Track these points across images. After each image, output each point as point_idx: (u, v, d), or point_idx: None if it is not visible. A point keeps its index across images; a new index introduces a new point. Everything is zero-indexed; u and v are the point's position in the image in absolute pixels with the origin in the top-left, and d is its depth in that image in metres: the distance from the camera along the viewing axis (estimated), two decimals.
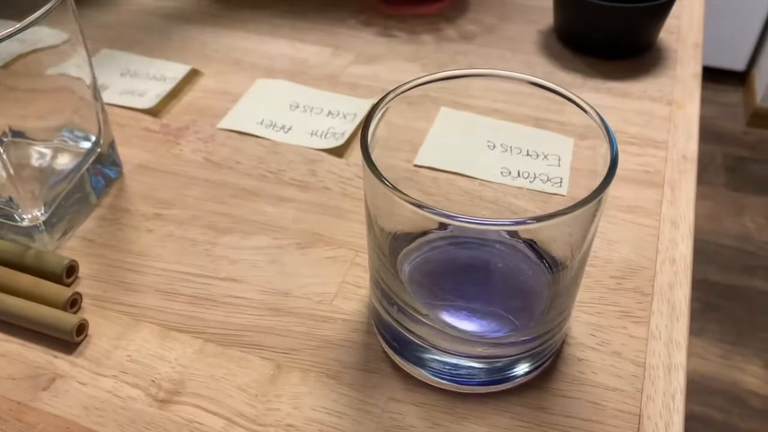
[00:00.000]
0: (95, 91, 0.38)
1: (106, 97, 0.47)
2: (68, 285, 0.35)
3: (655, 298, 0.34)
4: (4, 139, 0.36)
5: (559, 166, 0.42)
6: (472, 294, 0.32)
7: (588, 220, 0.27)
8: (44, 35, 0.35)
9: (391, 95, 0.30)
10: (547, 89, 0.33)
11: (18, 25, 0.32)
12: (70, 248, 0.37)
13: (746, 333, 1.26)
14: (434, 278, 0.32)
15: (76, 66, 0.37)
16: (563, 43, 0.52)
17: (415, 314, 0.29)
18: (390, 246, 0.30)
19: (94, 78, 0.38)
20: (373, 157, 0.27)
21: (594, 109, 0.31)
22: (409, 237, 0.32)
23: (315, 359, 0.32)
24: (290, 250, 0.37)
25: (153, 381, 0.31)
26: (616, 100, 0.47)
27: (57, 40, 0.35)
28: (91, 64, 0.37)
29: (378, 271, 0.30)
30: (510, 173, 0.42)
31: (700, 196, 1.50)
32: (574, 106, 0.32)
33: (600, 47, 0.50)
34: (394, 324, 0.30)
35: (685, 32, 0.53)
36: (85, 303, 0.34)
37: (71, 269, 0.35)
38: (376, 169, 0.27)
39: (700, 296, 1.33)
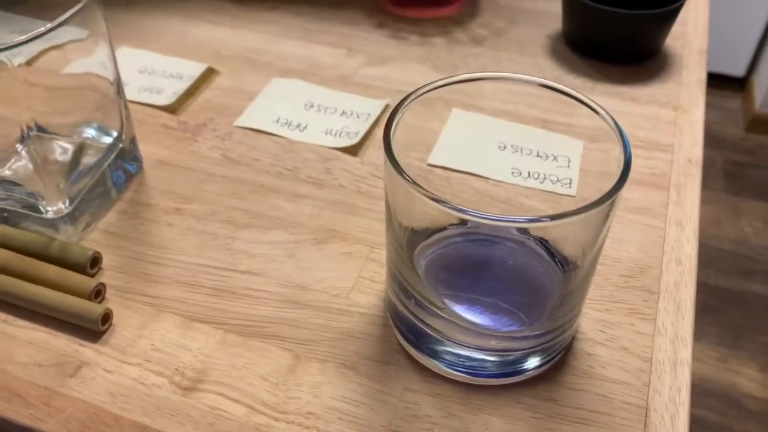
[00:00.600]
0: (119, 87, 0.39)
1: (126, 93, 0.48)
2: (92, 276, 0.36)
3: (661, 296, 0.35)
4: (30, 134, 0.37)
5: (568, 167, 0.43)
6: (487, 289, 0.33)
7: (600, 220, 0.29)
8: (69, 32, 0.36)
9: (412, 97, 0.31)
10: (561, 92, 0.34)
11: (48, 26, 0.33)
12: (92, 240, 0.38)
13: (743, 336, 1.27)
14: (450, 273, 0.34)
15: (100, 63, 0.38)
16: (571, 48, 0.53)
17: (431, 307, 0.30)
18: (408, 241, 0.31)
19: (117, 75, 0.39)
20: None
21: (607, 112, 0.32)
22: (427, 232, 0.33)
23: (333, 350, 0.33)
24: (307, 245, 0.38)
25: (176, 369, 0.32)
26: (624, 104, 0.48)
27: (82, 37, 0.36)
28: (115, 62, 0.38)
29: (396, 265, 0.31)
30: (520, 174, 0.43)
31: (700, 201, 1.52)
32: (586, 108, 0.34)
33: (608, 52, 0.51)
34: (410, 317, 0.32)
35: (690, 38, 0.54)
36: (109, 293, 0.35)
37: (95, 260, 0.36)
38: (399, 166, 0.28)
39: (698, 299, 1.34)
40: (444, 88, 0.34)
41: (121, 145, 0.40)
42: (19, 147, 0.37)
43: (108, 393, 0.31)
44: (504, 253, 0.34)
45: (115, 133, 0.40)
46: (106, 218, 0.40)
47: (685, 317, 0.34)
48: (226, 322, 0.34)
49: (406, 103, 0.31)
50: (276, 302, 0.35)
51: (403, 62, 0.52)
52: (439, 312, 0.30)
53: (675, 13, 0.50)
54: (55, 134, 0.39)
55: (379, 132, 0.46)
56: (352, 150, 0.44)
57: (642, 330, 0.34)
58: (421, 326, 0.31)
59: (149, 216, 0.40)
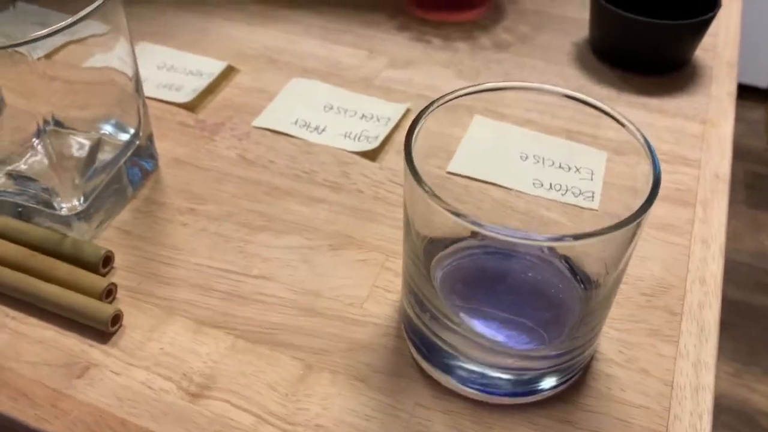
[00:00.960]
0: (137, 84, 0.39)
1: (148, 91, 0.48)
2: (104, 275, 0.35)
3: (684, 317, 0.34)
4: (47, 128, 0.37)
5: (591, 180, 0.42)
6: (504, 304, 0.32)
7: (626, 240, 0.28)
8: (90, 27, 0.35)
9: (435, 105, 0.31)
10: (586, 104, 0.33)
11: (69, 20, 0.32)
12: (106, 238, 0.38)
13: (759, 352, 1.25)
14: (466, 286, 0.33)
15: (119, 59, 0.37)
16: (598, 56, 0.52)
17: (445, 320, 0.30)
18: (425, 250, 0.30)
19: (137, 71, 0.38)
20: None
21: (635, 126, 0.31)
22: (444, 243, 0.32)
23: (345, 361, 0.32)
24: (322, 251, 0.37)
25: (185, 374, 0.31)
26: (650, 116, 0.47)
27: (102, 32, 0.36)
28: (134, 58, 0.38)
29: (411, 276, 0.30)
30: (542, 185, 0.42)
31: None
32: (611, 120, 0.33)
33: (635, 62, 0.50)
34: (424, 329, 0.31)
35: (721, 50, 0.53)
36: (120, 294, 0.35)
37: (107, 259, 0.36)
38: (418, 176, 0.27)
39: None
40: (467, 96, 0.33)
41: (138, 142, 0.40)
42: (35, 141, 0.37)
43: (115, 396, 0.31)
44: (523, 267, 0.33)
45: (132, 130, 0.40)
46: (120, 216, 0.39)
47: (709, 341, 0.33)
48: (237, 327, 0.33)
49: (428, 111, 0.30)
50: (288, 309, 0.34)
51: (426, 66, 0.51)
52: (453, 326, 0.30)
53: (707, 23, 0.49)
54: (73, 129, 0.39)
55: (399, 137, 0.45)
56: (371, 155, 0.43)
57: (663, 352, 0.33)
58: (435, 340, 0.30)
59: (163, 215, 0.39)
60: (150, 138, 0.41)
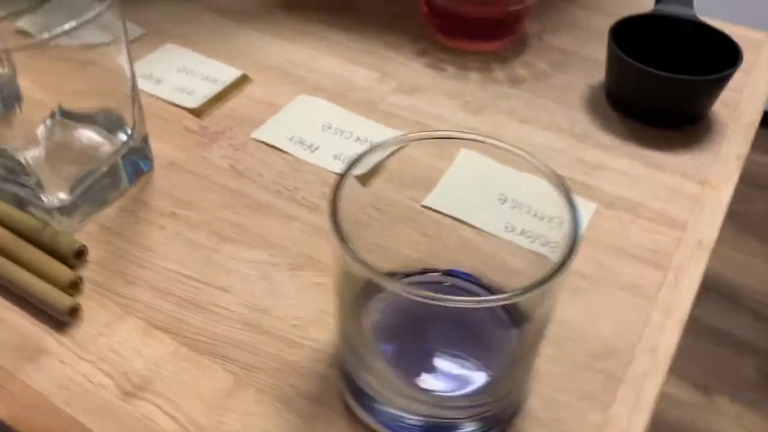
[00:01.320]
0: (134, 88, 0.41)
1: (159, 91, 0.50)
2: (74, 267, 0.38)
3: (623, 385, 0.34)
4: (55, 118, 0.40)
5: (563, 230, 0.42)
6: (429, 350, 0.32)
7: (535, 304, 0.28)
8: (90, 33, 0.37)
9: (365, 158, 0.31)
10: (510, 152, 0.34)
11: (66, 26, 0.34)
12: (87, 232, 0.40)
13: None
14: (392, 329, 0.33)
15: (118, 63, 0.40)
16: (611, 103, 0.51)
17: (366, 360, 0.30)
18: (357, 291, 0.31)
19: (133, 76, 0.40)
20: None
21: (564, 185, 0.31)
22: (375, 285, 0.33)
23: (273, 381, 0.33)
24: (282, 269, 0.38)
25: (125, 374, 0.33)
26: (647, 170, 0.46)
27: (101, 40, 0.38)
28: (131, 63, 0.40)
29: (341, 314, 0.31)
30: (514, 230, 0.42)
31: (758, 255, 1.42)
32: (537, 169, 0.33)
33: (646, 113, 0.49)
34: (349, 366, 0.31)
35: (743, 108, 0.51)
36: (87, 287, 0.37)
37: (80, 253, 0.38)
38: (341, 234, 0.27)
39: (762, 366, 1.27)
40: (413, 143, 0.34)
41: (132, 143, 0.42)
42: (41, 131, 0.40)
43: (57, 384, 0.33)
44: (457, 312, 0.33)
45: (128, 131, 0.42)
46: (107, 212, 0.41)
47: (643, 412, 0.33)
48: (184, 334, 0.35)
49: (352, 168, 0.31)
50: (235, 322, 0.36)
51: (433, 94, 0.52)
52: (374, 366, 0.30)
53: (724, 80, 0.48)
54: (72, 121, 0.41)
55: (390, 164, 0.45)
56: (359, 179, 0.44)
57: (592, 418, 0.32)
58: (356, 376, 0.31)
59: (145, 216, 0.41)
60: (145, 140, 0.43)
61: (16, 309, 0.36)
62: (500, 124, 0.49)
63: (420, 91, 0.52)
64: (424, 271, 0.36)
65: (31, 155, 0.39)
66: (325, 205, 0.41)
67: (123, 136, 0.42)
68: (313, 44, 0.56)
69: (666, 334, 0.36)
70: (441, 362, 0.32)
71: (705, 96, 0.48)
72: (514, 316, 0.32)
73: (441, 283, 0.36)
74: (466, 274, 0.36)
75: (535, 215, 0.43)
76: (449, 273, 0.36)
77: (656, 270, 0.39)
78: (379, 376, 0.30)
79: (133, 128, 0.42)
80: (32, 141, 0.39)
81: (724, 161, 0.47)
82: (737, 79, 0.52)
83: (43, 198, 0.39)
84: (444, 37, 0.57)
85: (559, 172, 0.45)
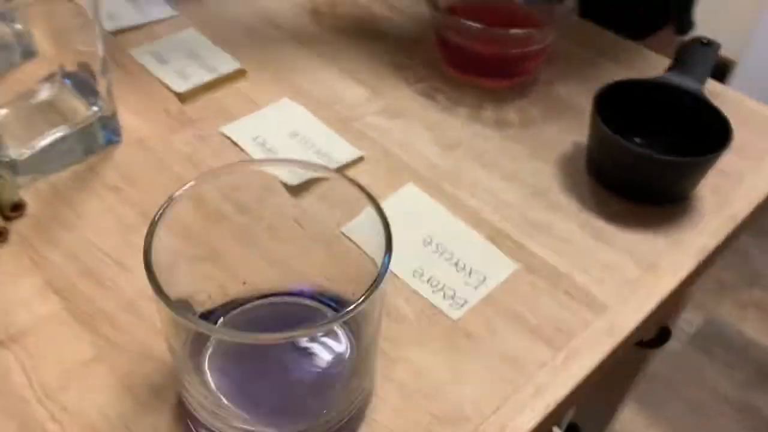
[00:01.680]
0: (104, 65, 0.44)
1: (159, 70, 0.53)
2: (9, 218, 0.41)
3: None
4: (56, 78, 0.44)
5: (476, 288, 0.41)
6: (265, 388, 0.33)
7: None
8: None
9: (174, 202, 0.31)
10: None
11: None
12: (37, 188, 0.44)
13: None
14: (228, 369, 0.33)
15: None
16: (588, 165, 0.49)
17: (199, 397, 0.31)
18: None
19: (104, 54, 0.43)
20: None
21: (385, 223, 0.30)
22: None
23: (129, 364, 0.35)
24: (190, 262, 0.40)
25: (6, 323, 0.36)
26: (593, 242, 0.44)
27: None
28: (104, 43, 0.43)
29: (173, 353, 0.31)
30: (422, 275, 0.41)
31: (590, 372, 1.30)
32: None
33: (618, 184, 0.47)
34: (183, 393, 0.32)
35: (733, 199, 0.47)
36: (13, 237, 0.41)
37: (17, 206, 0.41)
38: (159, 288, 0.28)
39: None
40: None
41: (100, 114, 0.45)
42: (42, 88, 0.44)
43: None
44: (300, 350, 0.33)
45: (101, 103, 0.45)
46: (62, 174, 0.45)
47: None
48: (73, 300, 0.38)
49: (162, 213, 0.30)
50: (122, 302, 0.38)
51: (414, 122, 0.51)
52: (205, 404, 0.31)
53: (704, 164, 0.45)
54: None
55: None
56: (295, 190, 0.45)
57: None
58: (189, 405, 0.32)
59: (92, 185, 0.44)
60: (114, 115, 0.46)
61: None
62: (463, 164, 0.48)
63: (402, 116, 0.52)
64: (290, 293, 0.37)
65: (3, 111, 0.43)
66: (255, 209, 0.42)
67: (95, 107, 0.46)
68: (320, 51, 0.58)
69: (525, 411, 0.35)
70: (275, 399, 0.33)
71: (683, 177, 0.46)
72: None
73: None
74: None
75: (456, 264, 0.42)
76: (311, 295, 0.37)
77: (548, 348, 0.38)
78: (210, 411, 0.31)
79: (103, 102, 0.45)
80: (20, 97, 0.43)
81: (684, 250, 0.44)
82: (740, 165, 0.49)
83: (3, 154, 0.43)
84: (453, 70, 0.56)
85: (497, 225, 0.44)
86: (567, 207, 0.46)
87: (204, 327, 0.29)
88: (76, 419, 0.33)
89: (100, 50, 0.43)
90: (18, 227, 0.41)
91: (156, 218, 0.30)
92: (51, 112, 0.46)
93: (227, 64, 0.55)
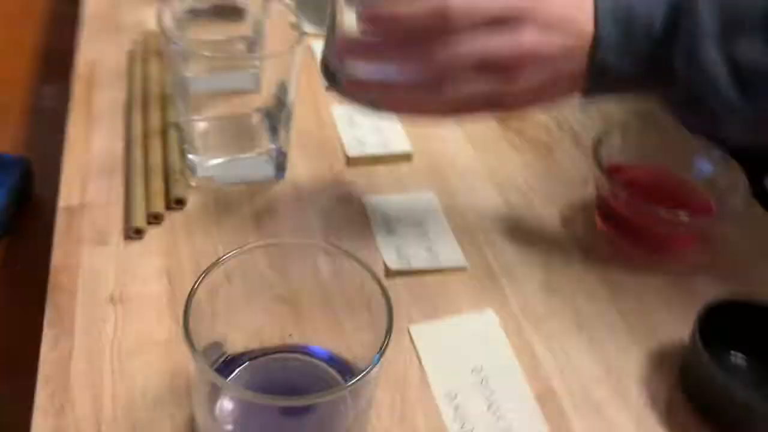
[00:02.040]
0: (287, 115, 0.53)
1: (345, 131, 0.61)
2: (170, 208, 0.51)
3: None
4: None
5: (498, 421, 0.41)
6: None
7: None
8: None
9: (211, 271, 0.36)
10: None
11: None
12: (201, 193, 0.53)
13: None
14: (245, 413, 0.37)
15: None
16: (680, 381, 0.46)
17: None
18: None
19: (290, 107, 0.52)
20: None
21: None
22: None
23: (186, 358, 0.42)
24: None
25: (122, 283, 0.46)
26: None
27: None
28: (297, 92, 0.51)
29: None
30: (454, 399, 0.43)
31: None
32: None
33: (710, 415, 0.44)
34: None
35: None
36: (166, 224, 0.50)
37: (180, 201, 0.51)
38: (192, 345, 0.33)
39: None
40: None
41: (275, 149, 0.54)
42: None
43: None
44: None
45: (278, 141, 0.54)
46: (227, 189, 0.54)
47: None
48: (175, 290, 0.46)
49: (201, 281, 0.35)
50: None
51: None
52: None
53: None
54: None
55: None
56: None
57: None
58: None
59: (241, 207, 0.53)
60: (284, 154, 0.55)
61: None
62: (559, 311, 0.49)
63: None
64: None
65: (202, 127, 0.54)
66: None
67: (273, 145, 0.54)
68: (500, 152, 0.62)
69: None
70: None
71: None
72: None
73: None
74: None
75: (489, 404, 0.43)
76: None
77: None
78: None
79: (280, 140, 0.54)
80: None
81: None
82: None
83: (195, 156, 0.53)
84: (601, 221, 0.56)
85: (553, 387, 0.43)
86: (635, 403, 0.44)
87: (214, 378, 0.32)
88: (124, 383, 0.40)
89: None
90: (173, 216, 0.51)
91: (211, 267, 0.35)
92: (245, 137, 0.56)
93: (399, 143, 0.60)
